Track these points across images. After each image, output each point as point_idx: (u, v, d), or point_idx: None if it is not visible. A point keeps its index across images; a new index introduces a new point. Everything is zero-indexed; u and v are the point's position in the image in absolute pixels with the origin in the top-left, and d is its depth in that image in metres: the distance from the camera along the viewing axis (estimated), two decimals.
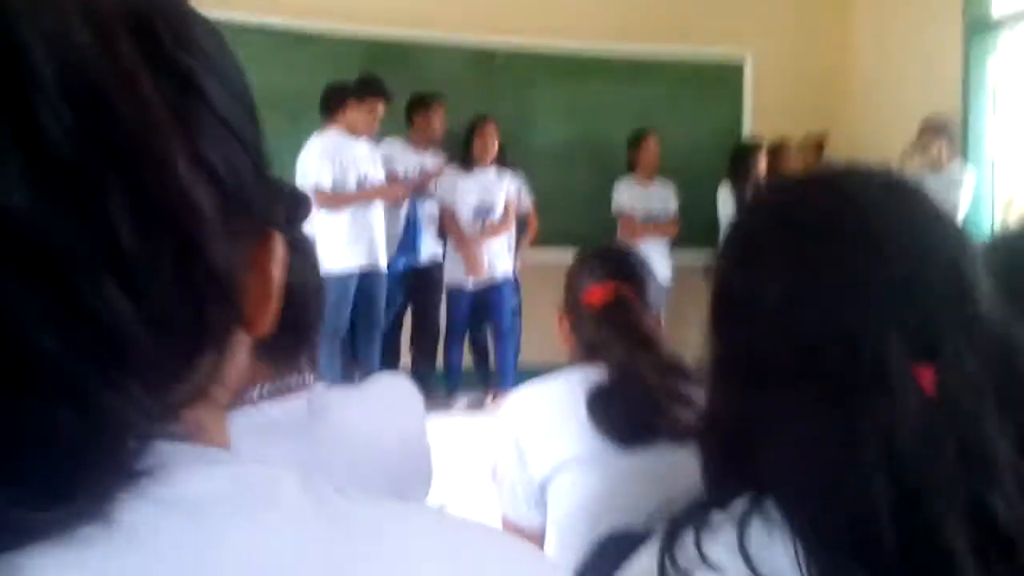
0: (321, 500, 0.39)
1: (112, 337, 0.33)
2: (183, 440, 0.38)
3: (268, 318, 0.45)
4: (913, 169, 5.53)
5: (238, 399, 1.05)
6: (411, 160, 5.27)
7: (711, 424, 0.77)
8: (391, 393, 1.30)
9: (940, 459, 0.63)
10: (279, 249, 0.45)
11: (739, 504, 0.67)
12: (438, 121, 5.30)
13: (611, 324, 1.49)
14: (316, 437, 1.15)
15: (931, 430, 0.63)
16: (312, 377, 1.21)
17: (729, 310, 0.75)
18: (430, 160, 5.34)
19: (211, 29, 0.43)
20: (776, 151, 5.88)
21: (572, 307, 1.59)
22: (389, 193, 4.93)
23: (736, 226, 0.78)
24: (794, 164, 5.87)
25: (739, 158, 5.79)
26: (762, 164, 5.75)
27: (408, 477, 1.24)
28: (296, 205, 1.25)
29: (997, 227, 5.80)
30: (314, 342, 1.26)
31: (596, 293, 1.53)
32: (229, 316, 0.41)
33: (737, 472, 0.70)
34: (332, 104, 4.82)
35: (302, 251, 1.23)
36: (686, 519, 0.68)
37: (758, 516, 0.66)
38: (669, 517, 0.68)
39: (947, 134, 5.56)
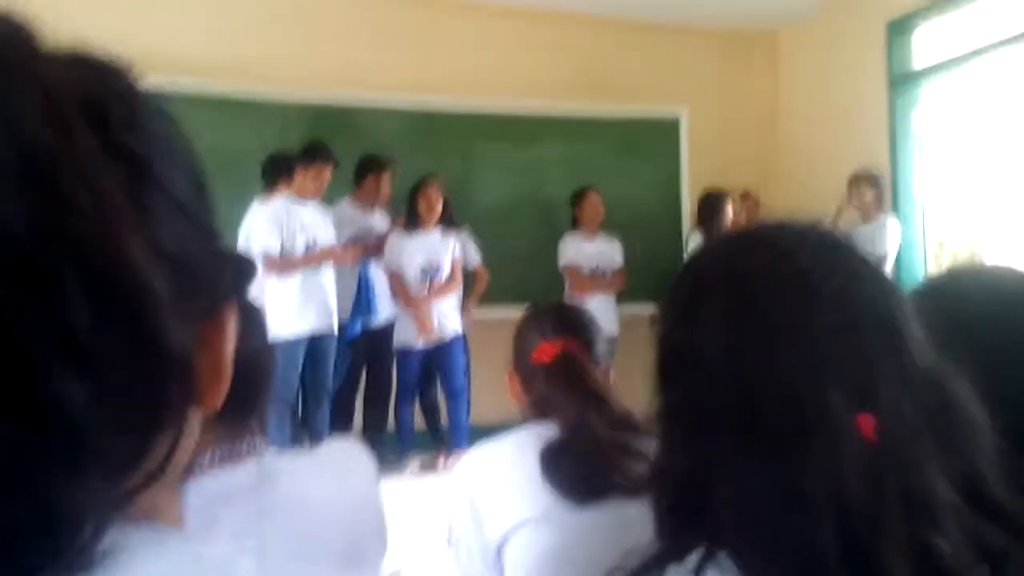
0: None
1: (69, 428, 0.32)
2: (139, 522, 0.38)
3: (220, 393, 0.45)
4: (845, 220, 5.73)
5: (189, 467, 1.04)
6: (363, 221, 5.30)
7: (663, 475, 0.78)
8: (343, 457, 1.29)
9: (884, 504, 0.65)
10: (231, 324, 0.46)
11: (694, 556, 0.68)
12: (387, 185, 5.36)
13: (561, 381, 1.50)
14: (267, 503, 1.14)
15: (874, 476, 0.65)
16: (262, 443, 1.20)
17: (675, 364, 0.77)
18: (380, 221, 5.37)
19: (162, 110, 0.44)
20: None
21: (522, 365, 1.60)
22: (338, 256, 4.94)
23: (679, 281, 0.80)
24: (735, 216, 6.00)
25: (707, 207, 5.89)
26: (729, 212, 5.87)
27: (363, 542, 1.23)
28: (241, 271, 1.25)
29: (929, 270, 6.01)
30: (263, 408, 1.25)
31: (545, 350, 1.54)
32: (184, 397, 0.41)
33: (691, 523, 0.71)
34: (276, 172, 4.85)
35: (249, 318, 1.23)
36: (644, 572, 0.68)
37: (713, 567, 0.67)
38: (626, 571, 0.69)
39: (876, 185, 5.77)
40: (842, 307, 0.71)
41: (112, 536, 0.35)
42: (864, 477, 0.65)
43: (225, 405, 1.15)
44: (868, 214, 5.73)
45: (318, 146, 4.88)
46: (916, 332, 0.73)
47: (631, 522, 1.16)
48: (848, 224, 5.82)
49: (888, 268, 5.55)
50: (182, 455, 0.42)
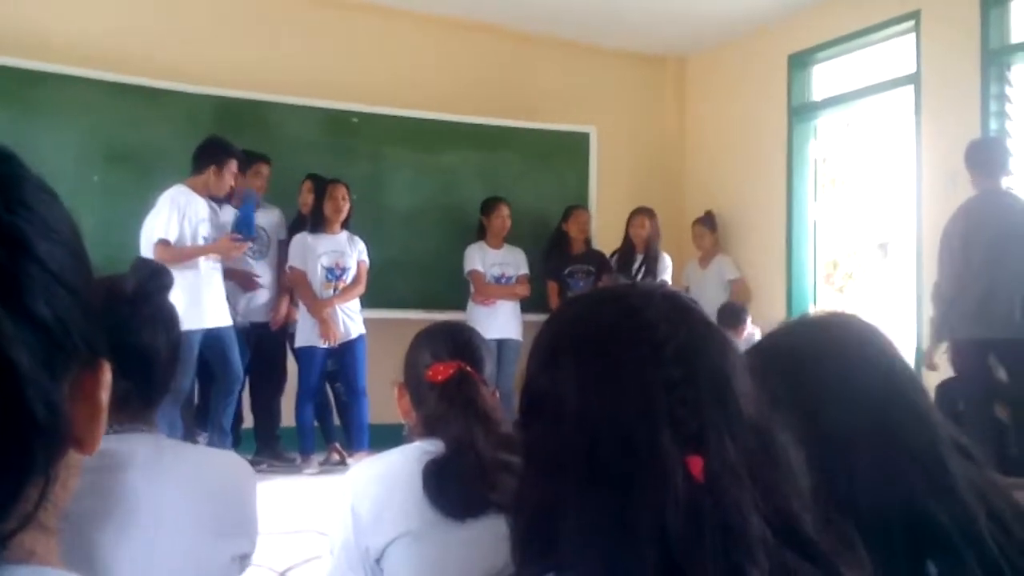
0: None
1: None
2: (17, 564, 0.43)
3: (97, 436, 0.50)
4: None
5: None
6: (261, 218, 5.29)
7: (520, 506, 0.86)
8: (224, 459, 1.37)
9: (704, 536, 0.75)
10: (106, 375, 0.50)
11: None
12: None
13: (452, 401, 1.56)
14: (164, 473, 1.22)
15: (697, 512, 0.75)
16: (149, 427, 1.28)
17: (534, 407, 0.86)
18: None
19: (41, 185, 0.49)
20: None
21: (413, 382, 1.66)
22: (225, 249, 4.85)
23: (542, 333, 0.89)
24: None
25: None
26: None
27: (232, 532, 1.31)
28: (157, 276, 1.34)
29: (819, 287, 6.34)
30: (159, 402, 1.33)
31: (439, 371, 1.60)
32: (53, 451, 0.45)
33: (542, 552, 0.80)
34: (211, 156, 4.76)
35: (164, 319, 1.31)
36: None
37: None
38: None
39: (714, 228, 6.23)
40: (681, 362, 0.81)
41: None
42: (688, 512, 0.75)
43: (130, 396, 1.22)
44: (709, 256, 6.20)
45: (252, 154, 5.00)
46: (746, 386, 0.84)
47: (505, 539, 1.25)
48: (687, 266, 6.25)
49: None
50: (57, 498, 0.47)
